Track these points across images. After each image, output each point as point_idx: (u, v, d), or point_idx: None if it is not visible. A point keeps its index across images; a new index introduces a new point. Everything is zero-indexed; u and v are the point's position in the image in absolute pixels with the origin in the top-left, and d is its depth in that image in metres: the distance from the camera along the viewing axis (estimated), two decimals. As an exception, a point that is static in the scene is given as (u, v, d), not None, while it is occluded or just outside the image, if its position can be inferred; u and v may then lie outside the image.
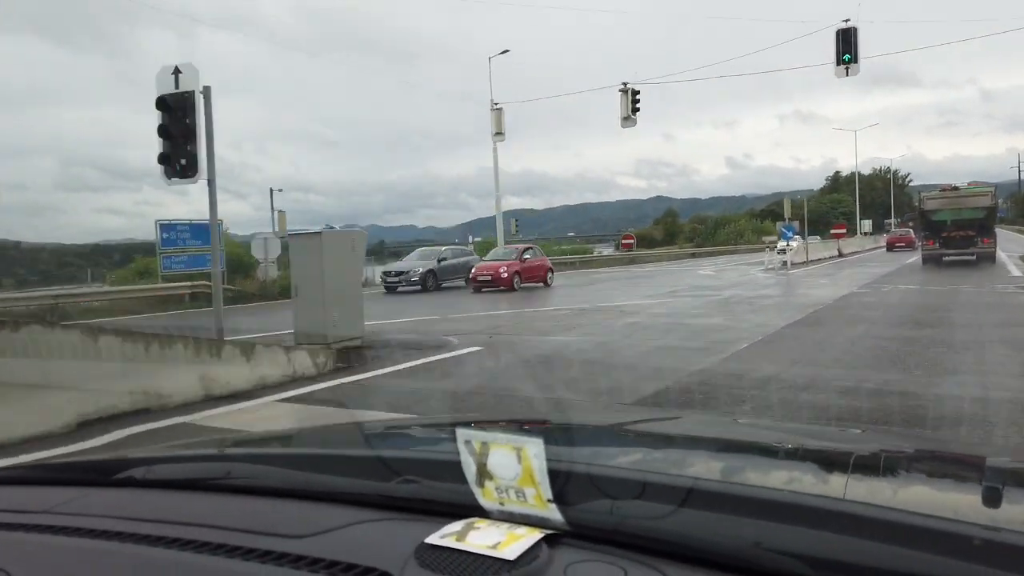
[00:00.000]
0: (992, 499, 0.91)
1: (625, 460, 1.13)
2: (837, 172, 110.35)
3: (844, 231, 48.89)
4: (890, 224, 71.75)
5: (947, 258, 22.89)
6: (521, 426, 0.78)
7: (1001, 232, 31.29)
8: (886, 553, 0.67)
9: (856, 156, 77.15)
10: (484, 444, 0.80)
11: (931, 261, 22.95)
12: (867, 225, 69.35)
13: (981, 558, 0.65)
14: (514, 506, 0.79)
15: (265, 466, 1.12)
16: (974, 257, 22.53)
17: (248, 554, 0.80)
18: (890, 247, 41.96)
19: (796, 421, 4.59)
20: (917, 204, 25.34)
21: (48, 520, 0.97)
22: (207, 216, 9.24)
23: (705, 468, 1.04)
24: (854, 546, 0.69)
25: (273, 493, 1.00)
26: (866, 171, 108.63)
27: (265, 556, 0.79)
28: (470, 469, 0.81)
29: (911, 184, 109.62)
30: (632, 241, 47.53)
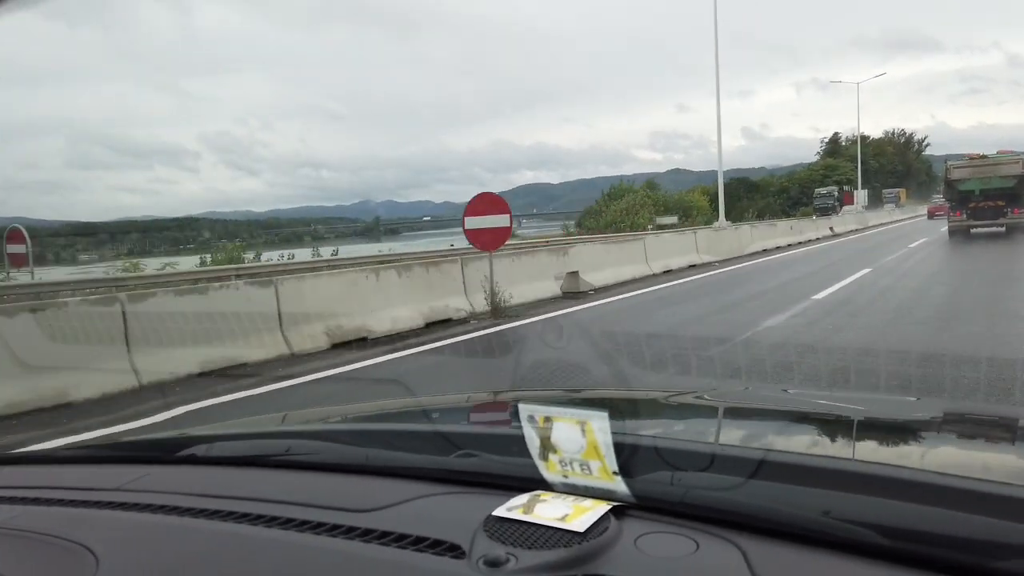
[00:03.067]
0: None
1: (689, 432, 1.13)
2: (836, 134, 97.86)
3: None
4: (893, 194, 70.52)
5: (975, 230, 22.33)
6: (582, 400, 0.78)
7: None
8: (958, 520, 0.67)
9: (858, 112, 73.55)
10: (547, 419, 0.80)
11: (959, 233, 22.34)
12: (862, 197, 64.08)
13: None
14: (578, 479, 0.79)
15: (324, 442, 1.14)
16: (1003, 228, 22.00)
17: (317, 528, 0.82)
18: (931, 215, 43.56)
19: (847, 390, 4.48)
20: (944, 173, 24.71)
21: (121, 497, 1.00)
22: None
23: (771, 439, 1.04)
24: (924, 514, 0.69)
25: (333, 469, 1.02)
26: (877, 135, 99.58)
27: (334, 530, 0.81)
28: (533, 443, 0.81)
29: (928, 148, 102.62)
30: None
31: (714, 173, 28.55)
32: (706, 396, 1.38)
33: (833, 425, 1.19)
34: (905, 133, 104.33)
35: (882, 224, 39.19)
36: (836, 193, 59.23)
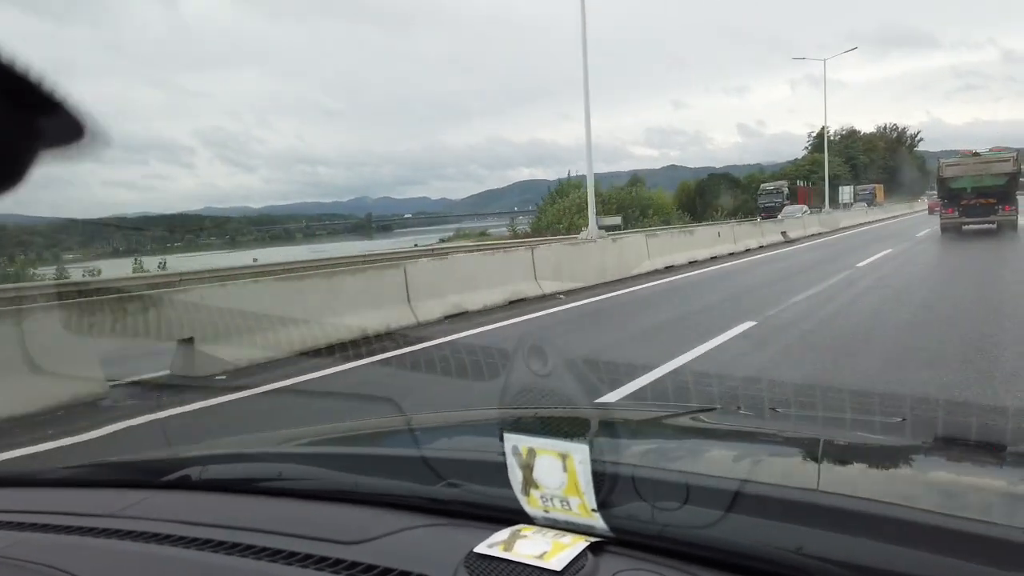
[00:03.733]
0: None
1: (671, 461, 1.13)
2: (824, 127, 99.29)
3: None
4: (868, 191, 64.57)
5: (967, 227, 22.49)
6: (567, 425, 0.79)
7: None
8: (938, 563, 0.67)
9: (824, 93, 53.38)
10: (530, 450, 0.82)
11: (951, 230, 22.54)
12: (847, 194, 59.31)
13: None
14: (559, 514, 0.81)
15: (316, 467, 1.16)
16: (995, 225, 22.11)
17: (304, 560, 0.84)
18: (931, 211, 41.64)
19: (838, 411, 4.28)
20: (936, 171, 24.78)
21: (111, 524, 1.02)
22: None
23: (750, 469, 1.03)
24: (900, 554, 0.68)
25: (323, 496, 1.04)
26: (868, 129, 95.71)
27: (320, 562, 0.83)
28: (516, 477, 0.83)
29: (923, 144, 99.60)
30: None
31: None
32: (699, 418, 1.38)
33: (814, 453, 1.19)
34: (897, 128, 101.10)
35: (854, 226, 33.54)
36: (785, 190, 53.73)
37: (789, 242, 23.42)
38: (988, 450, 1.21)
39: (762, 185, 55.35)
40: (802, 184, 56.84)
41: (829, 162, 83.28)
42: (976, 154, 23.08)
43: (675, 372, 5.55)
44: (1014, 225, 22.07)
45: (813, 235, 27.09)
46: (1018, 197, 22.77)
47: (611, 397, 4.64)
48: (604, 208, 39.02)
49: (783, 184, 54.57)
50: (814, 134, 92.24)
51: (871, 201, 62.13)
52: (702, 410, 1.49)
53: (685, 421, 1.37)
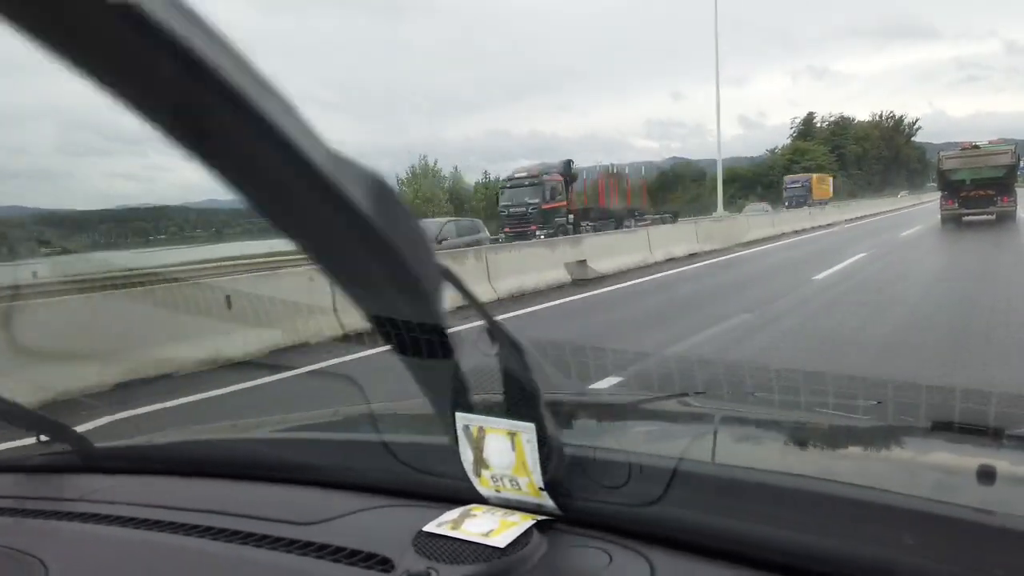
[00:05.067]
0: (989, 477, 0.87)
1: (614, 441, 1.13)
2: (811, 114, 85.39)
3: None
4: (798, 184, 53.38)
5: (966, 218, 22.61)
6: (520, 406, 0.81)
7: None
8: (873, 539, 0.68)
9: (716, 62, 35.86)
10: (480, 429, 0.83)
11: (951, 221, 22.66)
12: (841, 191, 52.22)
13: (985, 547, 0.65)
14: (510, 494, 0.83)
15: (279, 452, 1.18)
16: (993, 216, 22.27)
17: (261, 541, 0.86)
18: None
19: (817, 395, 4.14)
20: (937, 163, 24.91)
21: (80, 508, 1.04)
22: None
23: (696, 450, 1.04)
24: (842, 532, 0.69)
25: (286, 480, 1.06)
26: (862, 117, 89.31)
27: (276, 543, 0.85)
28: (467, 457, 0.85)
29: (927, 137, 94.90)
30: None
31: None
32: (648, 401, 1.39)
33: (765, 434, 1.20)
34: (894, 116, 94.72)
35: (763, 240, 21.62)
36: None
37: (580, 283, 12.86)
38: (942, 428, 1.21)
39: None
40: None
41: (813, 151, 73.13)
42: (975, 147, 23.27)
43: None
44: (1012, 216, 22.17)
45: (720, 249, 18.02)
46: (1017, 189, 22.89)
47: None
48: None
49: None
50: (799, 120, 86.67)
51: (806, 200, 49.32)
52: (673, 395, 1.50)
53: (643, 406, 1.38)
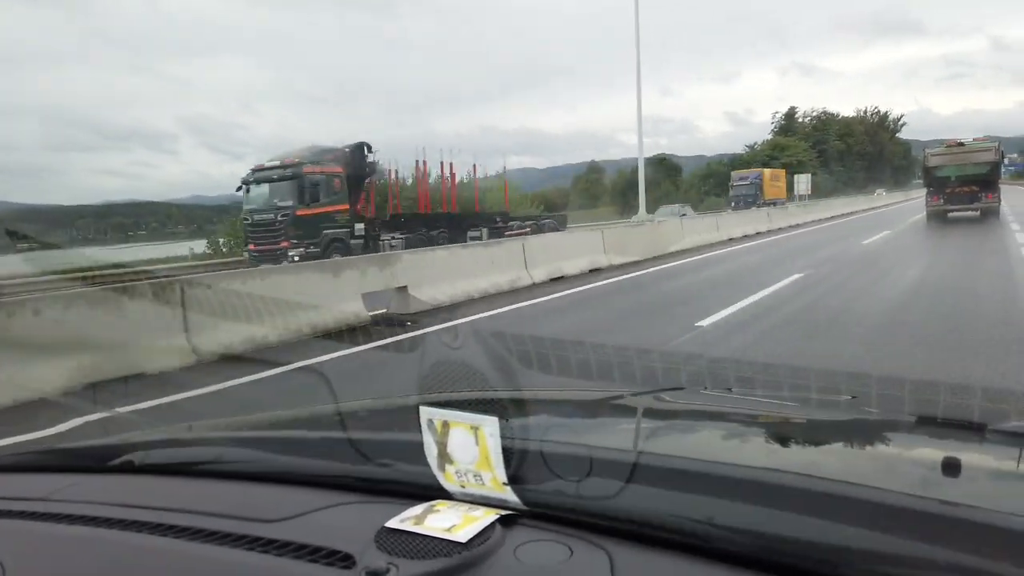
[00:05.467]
0: (953, 469, 0.90)
1: (576, 436, 1.15)
2: (792, 109, 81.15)
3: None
4: (746, 181, 47.80)
5: (952, 214, 22.86)
6: (482, 402, 0.81)
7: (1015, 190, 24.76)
8: (826, 529, 0.69)
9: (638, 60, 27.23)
10: (445, 423, 0.83)
11: (936, 217, 22.89)
12: (804, 183, 46.24)
13: (936, 537, 0.65)
14: (474, 489, 0.83)
15: (252, 450, 1.17)
16: (978, 212, 22.50)
17: (222, 539, 0.86)
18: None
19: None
20: (923, 160, 25.18)
21: (42, 507, 1.03)
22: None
23: (656, 443, 1.05)
24: (795, 522, 0.71)
25: (257, 478, 1.05)
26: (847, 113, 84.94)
27: (239, 540, 0.84)
28: (432, 453, 0.85)
29: (913, 133, 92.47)
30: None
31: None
32: (626, 398, 1.39)
33: (728, 427, 1.21)
34: (879, 112, 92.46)
35: (711, 246, 18.16)
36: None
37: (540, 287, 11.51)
38: (908, 427, 1.22)
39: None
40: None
41: (793, 147, 67.71)
42: (960, 144, 23.51)
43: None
44: (996, 212, 22.39)
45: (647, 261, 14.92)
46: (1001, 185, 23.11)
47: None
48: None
49: None
50: (780, 115, 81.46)
51: (753, 200, 44.39)
52: (651, 391, 1.50)
53: (614, 399, 1.38)
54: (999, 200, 22.93)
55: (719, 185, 58.59)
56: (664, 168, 65.37)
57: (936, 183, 23.21)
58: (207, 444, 1.27)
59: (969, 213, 22.62)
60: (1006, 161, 25.14)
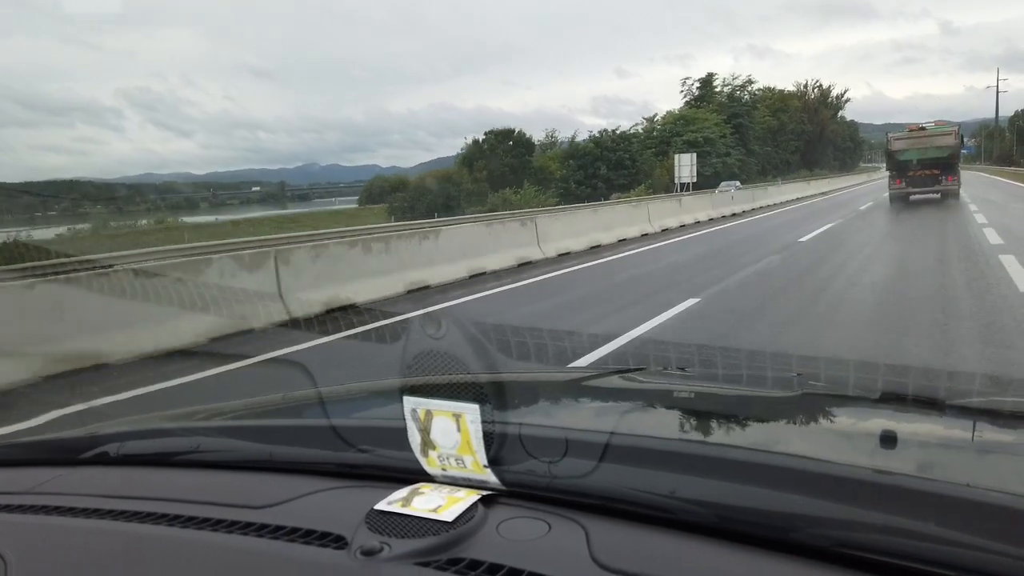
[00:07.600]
0: (890, 441, 0.96)
1: (552, 418, 1.21)
2: (711, 75, 62.34)
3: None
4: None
5: (913, 197, 23.43)
6: (464, 389, 0.86)
7: (971, 174, 25.02)
8: (776, 499, 0.75)
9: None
10: (428, 412, 0.88)
11: (898, 200, 23.47)
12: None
13: (871, 502, 0.72)
14: (456, 472, 0.88)
15: (232, 439, 1.20)
16: (939, 195, 23.12)
17: (216, 524, 0.89)
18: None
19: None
20: (886, 144, 25.69)
21: (32, 500, 1.04)
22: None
23: (625, 424, 1.11)
24: (748, 493, 0.77)
25: (240, 466, 1.08)
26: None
27: (231, 526, 0.88)
28: (415, 439, 0.89)
29: (855, 111, 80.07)
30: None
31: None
32: (587, 379, 1.46)
33: (689, 405, 1.27)
34: (821, 86, 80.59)
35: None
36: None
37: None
38: (856, 398, 1.30)
39: None
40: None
41: (703, 119, 51.31)
42: (922, 128, 24.02)
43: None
44: (956, 194, 22.98)
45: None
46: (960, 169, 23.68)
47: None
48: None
49: None
50: (694, 82, 61.32)
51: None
52: (611, 372, 1.57)
53: (581, 383, 1.44)
54: (959, 183, 23.51)
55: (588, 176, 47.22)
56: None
57: (899, 167, 23.71)
58: (187, 434, 1.28)
59: (930, 195, 23.20)
60: (965, 144, 25.64)
